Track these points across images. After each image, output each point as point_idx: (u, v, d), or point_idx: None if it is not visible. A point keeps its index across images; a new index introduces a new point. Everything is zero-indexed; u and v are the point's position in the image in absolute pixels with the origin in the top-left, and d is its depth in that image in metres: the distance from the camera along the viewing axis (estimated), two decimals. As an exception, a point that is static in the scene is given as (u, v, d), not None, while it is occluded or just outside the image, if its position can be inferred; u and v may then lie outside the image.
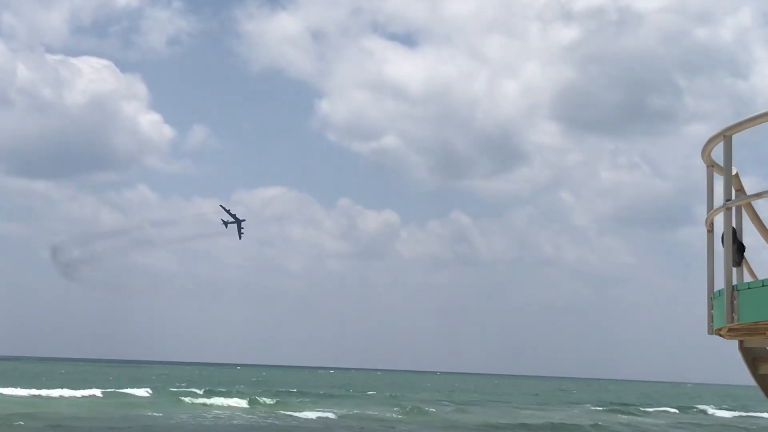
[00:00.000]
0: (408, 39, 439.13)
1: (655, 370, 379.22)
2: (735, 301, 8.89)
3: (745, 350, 9.81)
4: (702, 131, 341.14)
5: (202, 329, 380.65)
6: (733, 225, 9.23)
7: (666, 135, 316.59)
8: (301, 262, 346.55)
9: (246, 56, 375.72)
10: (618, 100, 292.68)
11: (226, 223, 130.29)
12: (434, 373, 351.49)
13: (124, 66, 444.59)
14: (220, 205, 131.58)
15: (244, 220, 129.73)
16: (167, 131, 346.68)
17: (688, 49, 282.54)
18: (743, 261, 9.37)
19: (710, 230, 9.83)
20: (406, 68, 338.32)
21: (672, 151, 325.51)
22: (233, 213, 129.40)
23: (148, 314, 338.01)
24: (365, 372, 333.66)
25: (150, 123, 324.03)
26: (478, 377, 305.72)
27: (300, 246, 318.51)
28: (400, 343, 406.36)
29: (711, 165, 9.80)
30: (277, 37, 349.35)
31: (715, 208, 9.61)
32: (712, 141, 9.44)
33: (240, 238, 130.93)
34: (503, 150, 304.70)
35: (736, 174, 9.68)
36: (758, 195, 9.21)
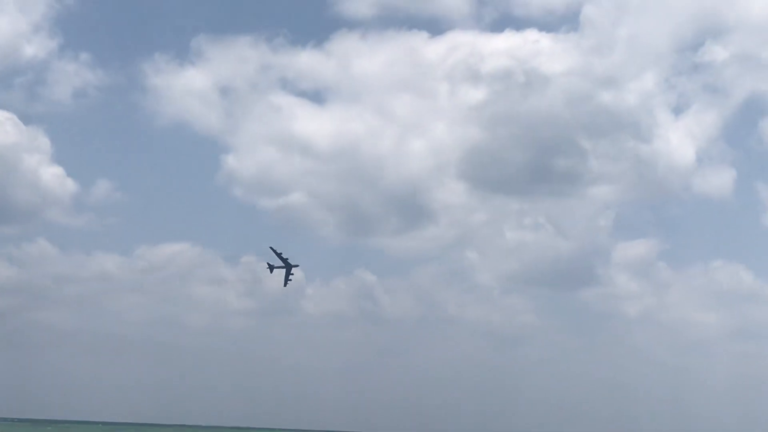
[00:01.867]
0: (317, 96, 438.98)
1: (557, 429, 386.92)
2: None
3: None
4: (605, 193, 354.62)
5: (101, 386, 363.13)
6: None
7: (570, 196, 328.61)
8: (205, 318, 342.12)
9: (153, 110, 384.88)
10: (524, 160, 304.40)
11: (272, 268, 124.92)
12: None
13: (27, 119, 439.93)
14: (270, 248, 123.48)
15: (296, 266, 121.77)
16: (70, 185, 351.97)
17: (593, 112, 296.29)
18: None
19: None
20: (315, 125, 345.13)
21: (576, 213, 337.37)
22: (285, 257, 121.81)
23: (45, 371, 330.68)
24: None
25: (52, 176, 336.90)
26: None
27: (203, 302, 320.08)
28: (304, 401, 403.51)
29: None
30: (185, 92, 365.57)
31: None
32: None
33: (285, 285, 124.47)
34: (410, 208, 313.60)
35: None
36: None
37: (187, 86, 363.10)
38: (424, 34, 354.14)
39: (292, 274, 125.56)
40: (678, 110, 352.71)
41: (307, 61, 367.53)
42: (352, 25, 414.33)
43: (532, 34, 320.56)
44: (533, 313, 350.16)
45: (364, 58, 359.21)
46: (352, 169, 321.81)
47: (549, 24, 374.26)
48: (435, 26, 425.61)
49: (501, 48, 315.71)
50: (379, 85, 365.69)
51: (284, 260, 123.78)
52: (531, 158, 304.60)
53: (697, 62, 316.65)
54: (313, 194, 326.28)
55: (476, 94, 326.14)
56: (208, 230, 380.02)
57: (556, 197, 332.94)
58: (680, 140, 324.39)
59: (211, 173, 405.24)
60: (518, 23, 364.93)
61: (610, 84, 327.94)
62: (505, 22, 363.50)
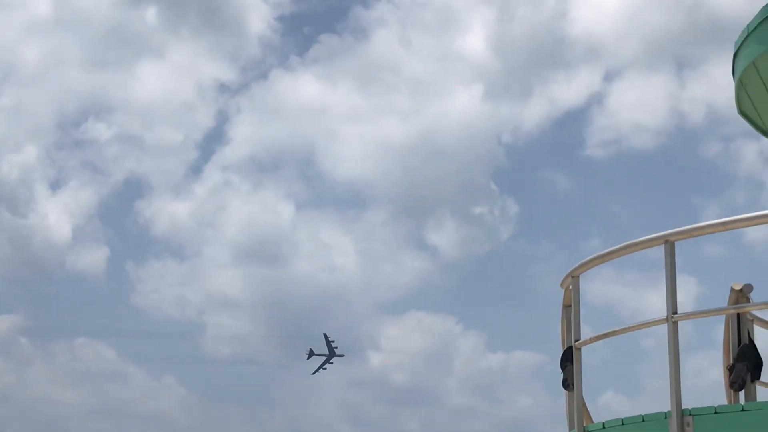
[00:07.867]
0: None
1: None
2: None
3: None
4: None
5: None
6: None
7: None
8: None
9: None
10: None
11: (311, 354, 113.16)
12: None
13: None
14: (324, 334, 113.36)
15: (342, 356, 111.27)
16: None
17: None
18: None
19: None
20: None
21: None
22: (335, 346, 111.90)
23: None
24: None
25: None
26: None
27: None
28: None
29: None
30: None
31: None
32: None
33: (314, 372, 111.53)
34: None
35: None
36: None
37: None
38: None
39: (331, 362, 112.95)
40: (57, 186, 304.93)
41: None
42: None
43: None
44: None
45: None
46: None
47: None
48: None
49: None
50: None
51: (333, 349, 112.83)
52: None
53: (79, 139, 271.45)
54: None
55: None
56: None
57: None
58: (57, 216, 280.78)
59: None
60: None
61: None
62: None
